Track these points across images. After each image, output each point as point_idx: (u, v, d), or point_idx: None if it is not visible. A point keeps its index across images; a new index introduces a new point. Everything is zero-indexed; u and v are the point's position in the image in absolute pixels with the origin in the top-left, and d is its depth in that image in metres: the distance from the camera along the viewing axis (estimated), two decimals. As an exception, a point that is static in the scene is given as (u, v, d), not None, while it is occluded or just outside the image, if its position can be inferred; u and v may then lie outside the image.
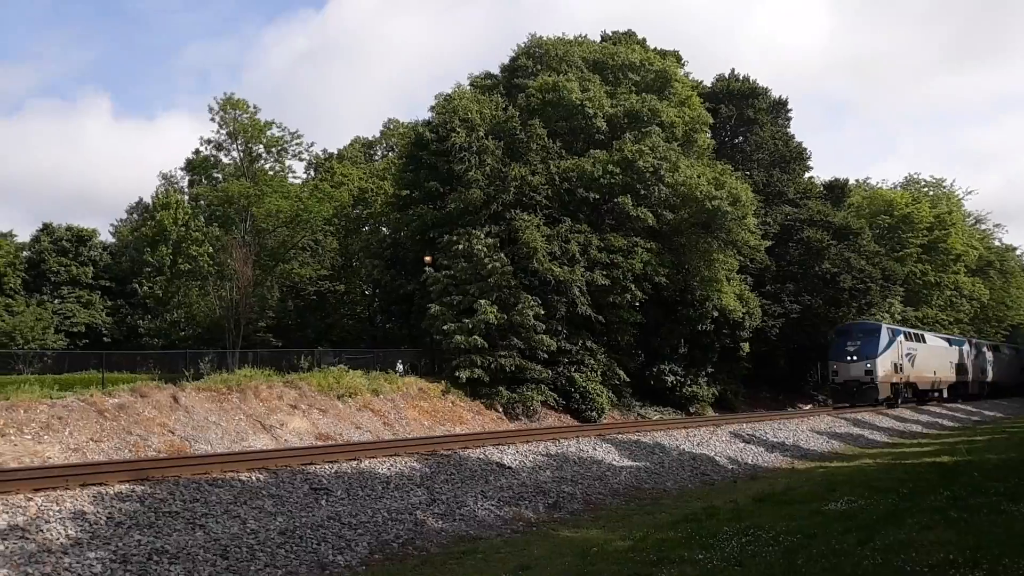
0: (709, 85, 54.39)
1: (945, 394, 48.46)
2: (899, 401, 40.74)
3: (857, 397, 37.20)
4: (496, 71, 43.29)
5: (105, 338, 46.15)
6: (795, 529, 10.26)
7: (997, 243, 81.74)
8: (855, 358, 37.89)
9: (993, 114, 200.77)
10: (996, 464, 17.54)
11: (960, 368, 51.13)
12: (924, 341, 46.40)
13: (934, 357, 47.02)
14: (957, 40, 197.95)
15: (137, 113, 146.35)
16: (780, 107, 56.83)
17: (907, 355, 41.77)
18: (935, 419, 37.48)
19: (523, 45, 42.22)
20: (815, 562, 8.32)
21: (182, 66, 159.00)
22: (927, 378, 44.90)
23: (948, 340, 52.08)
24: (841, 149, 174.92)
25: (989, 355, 58.58)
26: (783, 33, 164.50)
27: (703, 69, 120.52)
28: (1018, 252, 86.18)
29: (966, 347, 53.83)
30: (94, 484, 10.40)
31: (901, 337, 41.56)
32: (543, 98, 37.17)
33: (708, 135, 44.23)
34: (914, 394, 44.02)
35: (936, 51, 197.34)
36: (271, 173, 52.05)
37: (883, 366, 37.92)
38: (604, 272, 34.06)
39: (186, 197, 52.84)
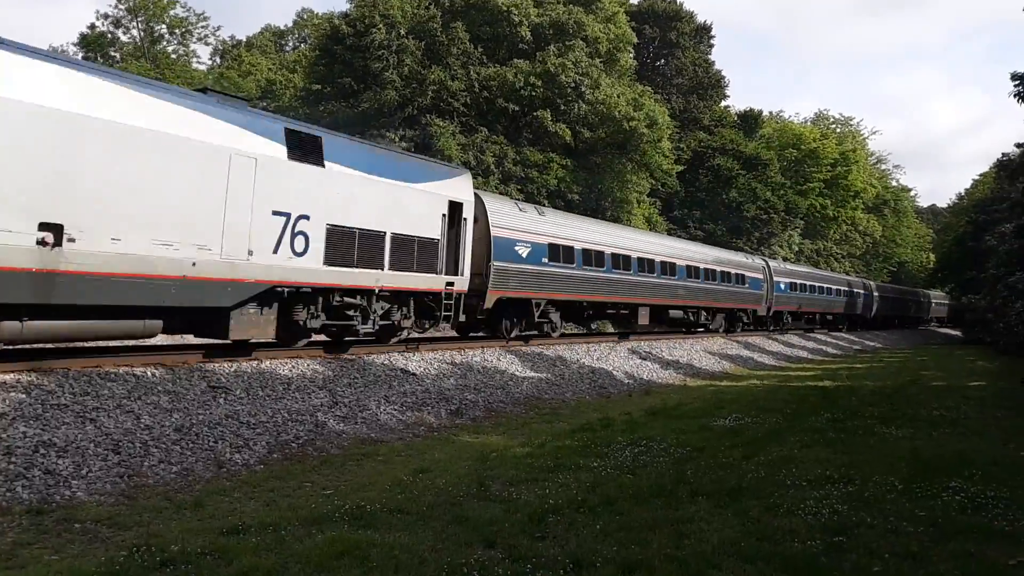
0: (635, 3, 53.85)
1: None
2: None
3: None
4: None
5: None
6: (685, 442, 10.74)
7: (894, 183, 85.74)
8: None
9: (903, 62, 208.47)
10: (872, 390, 18.77)
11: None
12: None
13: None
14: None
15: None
16: (703, 33, 56.97)
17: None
18: (820, 346, 39.64)
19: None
20: (703, 473, 8.74)
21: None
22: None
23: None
24: (758, 83, 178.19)
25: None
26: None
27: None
28: (912, 193, 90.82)
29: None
30: (-26, 372, 9.86)
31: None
32: (468, 0, 36.00)
33: (631, 55, 44.00)
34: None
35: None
36: (174, 56, 49.05)
37: None
38: (519, 186, 33.98)
39: (79, 75, 49.34)
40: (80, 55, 51.77)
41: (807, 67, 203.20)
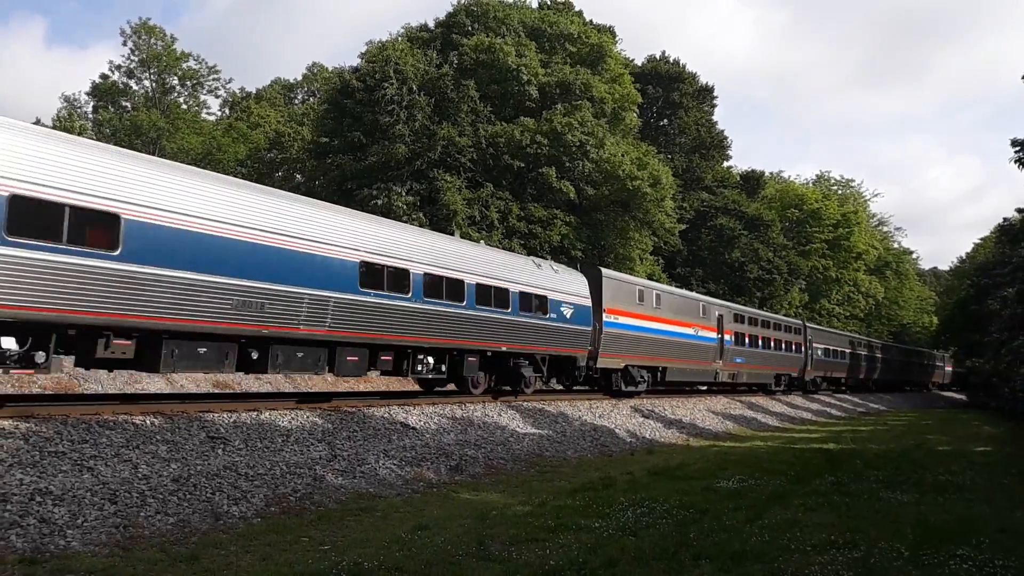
0: (640, 65, 54.88)
1: None
2: None
3: None
4: (432, 24, 42.48)
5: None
6: (688, 504, 10.58)
7: (896, 246, 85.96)
8: None
9: (898, 131, 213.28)
10: (876, 454, 18.56)
11: None
12: None
13: None
14: (869, 62, 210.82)
15: (70, 42, 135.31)
16: (706, 93, 57.88)
17: None
18: (824, 408, 39.34)
19: (462, 2, 41.56)
20: (706, 536, 8.60)
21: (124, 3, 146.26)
22: None
23: None
24: (758, 148, 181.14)
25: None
26: (710, 37, 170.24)
27: (633, 49, 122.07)
28: (914, 256, 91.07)
29: None
30: (-28, 418, 9.81)
31: None
32: (477, 58, 36.72)
33: (636, 114, 44.67)
34: None
35: (850, 70, 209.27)
36: (184, 107, 49.87)
37: None
38: (522, 241, 34.16)
39: (90, 124, 50.13)
40: (91, 104, 52.67)
41: (805, 134, 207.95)
